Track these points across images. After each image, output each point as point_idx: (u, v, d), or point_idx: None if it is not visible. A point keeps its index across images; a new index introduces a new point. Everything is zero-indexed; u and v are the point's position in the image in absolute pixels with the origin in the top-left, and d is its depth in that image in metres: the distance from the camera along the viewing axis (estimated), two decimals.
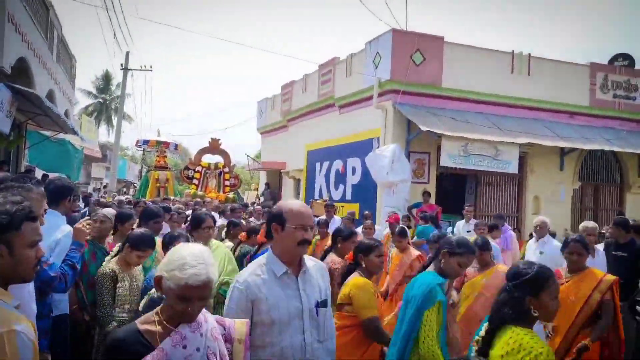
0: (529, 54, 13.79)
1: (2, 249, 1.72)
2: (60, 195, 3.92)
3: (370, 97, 12.90)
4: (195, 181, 14.76)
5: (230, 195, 14.53)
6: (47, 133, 14.49)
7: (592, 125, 14.19)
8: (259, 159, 28.42)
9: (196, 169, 14.90)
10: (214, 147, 15.53)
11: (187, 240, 3.84)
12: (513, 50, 13.67)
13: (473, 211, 10.41)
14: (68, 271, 3.27)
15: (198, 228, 4.56)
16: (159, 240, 4.40)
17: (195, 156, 15.46)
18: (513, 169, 12.29)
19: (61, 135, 15.13)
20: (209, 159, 15.71)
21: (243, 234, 6.05)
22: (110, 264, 3.89)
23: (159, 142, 18.16)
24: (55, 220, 3.69)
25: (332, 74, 15.55)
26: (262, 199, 18.56)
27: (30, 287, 2.77)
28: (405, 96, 12.31)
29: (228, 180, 15.21)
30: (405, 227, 7.26)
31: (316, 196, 15.98)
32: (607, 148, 13.21)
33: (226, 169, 15.26)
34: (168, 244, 3.81)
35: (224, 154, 15.63)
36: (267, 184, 21.03)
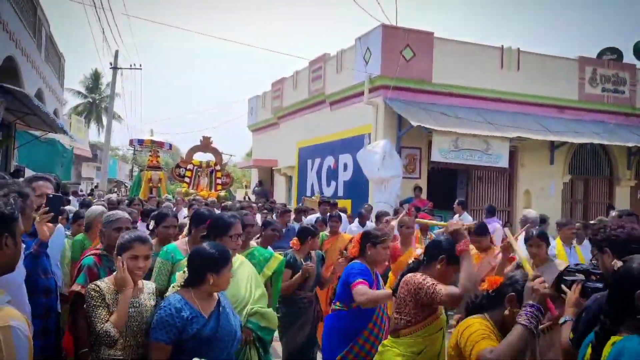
0: (518, 49, 13.87)
1: (9, 240, 1.71)
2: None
3: (361, 93, 12.93)
4: (186, 179, 14.74)
5: (222, 193, 14.49)
6: (37, 133, 14.39)
7: (582, 119, 14.30)
8: (249, 157, 28.43)
9: (187, 167, 14.87)
10: (205, 145, 15.53)
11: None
12: (502, 45, 13.74)
13: (462, 207, 10.29)
14: None
15: (223, 236, 3.44)
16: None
17: (186, 154, 15.48)
18: (503, 163, 12.37)
19: (51, 135, 15.02)
20: (200, 157, 15.69)
21: None
22: (100, 281, 3.00)
23: (153, 142, 18.05)
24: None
25: (323, 71, 15.56)
26: (253, 197, 18.53)
27: (23, 285, 2.76)
28: (395, 92, 12.34)
29: (220, 178, 15.20)
30: (487, 224, 6.03)
31: (308, 193, 15.99)
32: (596, 141, 13.32)
33: (218, 167, 15.27)
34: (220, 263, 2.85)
35: (216, 152, 15.62)
36: (259, 182, 21.02)
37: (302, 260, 5.00)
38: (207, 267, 2.78)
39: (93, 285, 2.94)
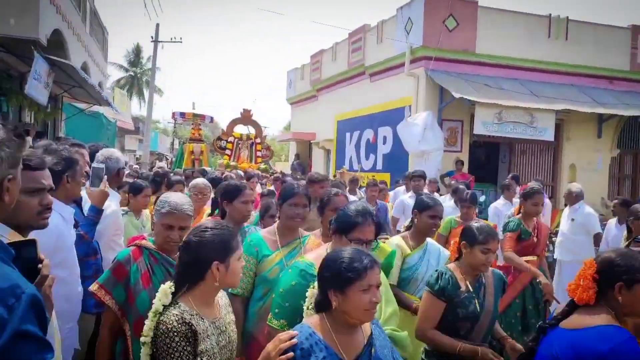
0: (567, 18, 13.32)
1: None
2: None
3: (402, 65, 12.70)
4: (227, 151, 14.97)
5: (262, 165, 14.71)
6: (82, 106, 14.78)
7: (633, 91, 13.70)
8: (287, 130, 28.50)
9: (228, 140, 15.08)
10: (245, 117, 15.68)
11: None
12: (550, 14, 13.22)
13: (516, 183, 8.93)
14: None
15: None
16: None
17: (227, 127, 15.66)
18: (549, 136, 12.01)
19: (95, 108, 15.42)
20: (240, 129, 15.89)
21: None
22: (178, 309, 1.99)
23: (195, 115, 18.35)
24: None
25: (363, 42, 15.34)
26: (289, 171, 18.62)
27: (73, 247, 2.86)
28: (437, 63, 12.07)
29: (260, 151, 15.39)
30: None
31: (347, 166, 15.94)
32: None
33: (258, 140, 15.44)
34: None
35: (256, 124, 15.82)
36: (297, 155, 21.08)
37: (469, 287, 2.82)
38: (331, 285, 1.90)
39: (176, 324, 1.94)
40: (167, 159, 36.86)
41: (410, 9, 12.77)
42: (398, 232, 6.19)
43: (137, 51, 45.97)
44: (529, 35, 12.89)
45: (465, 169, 12.16)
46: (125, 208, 4.73)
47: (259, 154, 15.27)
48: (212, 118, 20.15)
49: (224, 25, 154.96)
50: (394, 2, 13.59)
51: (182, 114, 19.32)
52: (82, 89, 11.90)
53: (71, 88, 11.91)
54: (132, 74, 46.33)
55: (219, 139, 15.32)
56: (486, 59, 12.53)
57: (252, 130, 15.81)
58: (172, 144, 42.10)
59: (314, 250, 2.70)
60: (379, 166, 14.22)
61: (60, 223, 2.77)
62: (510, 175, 10.01)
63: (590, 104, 12.50)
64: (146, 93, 38.48)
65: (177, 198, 2.61)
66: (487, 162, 14.06)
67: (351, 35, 16.06)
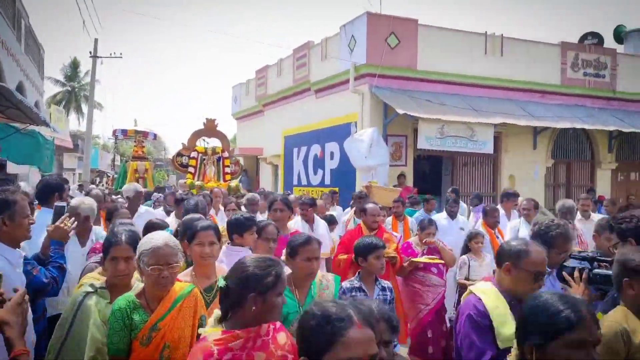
0: (502, 35, 13.96)
1: None
2: (49, 193, 4.09)
3: (347, 81, 12.93)
4: (191, 169, 12.32)
5: (233, 184, 12.39)
6: (17, 125, 14.15)
7: (564, 104, 14.49)
8: (234, 145, 28.28)
9: (191, 155, 12.38)
10: (209, 128, 13.02)
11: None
12: (486, 31, 13.81)
13: (457, 195, 9.49)
14: (57, 274, 3.25)
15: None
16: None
17: (188, 140, 12.68)
18: (488, 149, 12.51)
19: (31, 127, 14.79)
20: (204, 143, 13.56)
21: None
22: None
23: (137, 132, 17.10)
24: (46, 217, 3.72)
25: (307, 58, 15.50)
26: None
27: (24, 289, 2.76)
28: (381, 79, 12.36)
29: (228, 166, 12.74)
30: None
31: (295, 182, 16.00)
32: (578, 126, 13.51)
33: (225, 154, 12.76)
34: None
35: (222, 136, 13.13)
36: (244, 171, 20.92)
37: None
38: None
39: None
40: (108, 177, 35.75)
41: (353, 27, 13.03)
42: None
43: (75, 65, 44.52)
44: (467, 52, 13.42)
45: (409, 182, 12.46)
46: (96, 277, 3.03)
47: (227, 170, 12.79)
48: (155, 135, 19.49)
49: (166, 42, 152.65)
50: (337, 20, 13.75)
51: (124, 131, 18.54)
52: (17, 110, 11.43)
53: (6, 109, 11.41)
54: (69, 88, 44.79)
55: (180, 154, 12.59)
56: (427, 75, 12.94)
57: (217, 143, 13.48)
58: (114, 160, 40.92)
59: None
60: (327, 181, 14.35)
61: (6, 266, 2.70)
62: (450, 188, 10.42)
63: (525, 117, 13.12)
64: (85, 108, 37.34)
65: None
66: (431, 175, 14.48)
67: (296, 51, 16.19)
